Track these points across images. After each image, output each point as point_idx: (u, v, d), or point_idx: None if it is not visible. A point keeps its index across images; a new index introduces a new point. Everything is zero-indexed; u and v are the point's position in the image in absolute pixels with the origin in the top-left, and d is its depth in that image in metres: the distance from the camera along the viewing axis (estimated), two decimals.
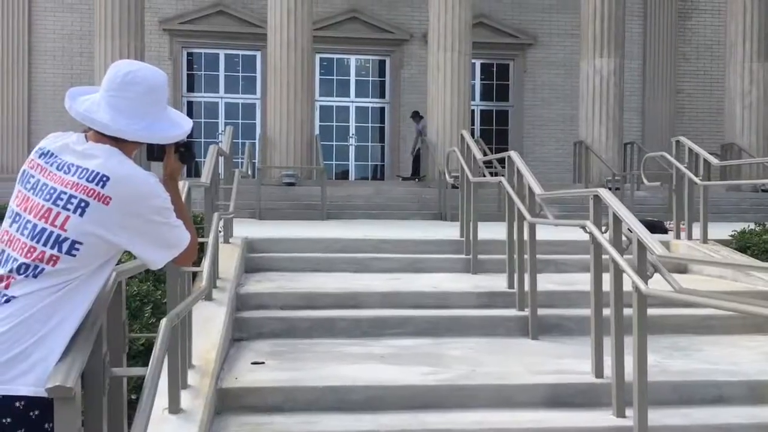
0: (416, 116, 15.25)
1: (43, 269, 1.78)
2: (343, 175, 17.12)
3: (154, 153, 2.03)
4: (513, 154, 5.56)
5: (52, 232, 1.80)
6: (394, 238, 6.90)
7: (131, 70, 1.93)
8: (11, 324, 1.74)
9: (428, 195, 12.15)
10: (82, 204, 1.81)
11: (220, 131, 16.33)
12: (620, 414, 3.64)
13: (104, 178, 1.82)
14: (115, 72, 1.93)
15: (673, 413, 3.72)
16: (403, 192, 12.78)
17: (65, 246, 1.79)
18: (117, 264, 2.00)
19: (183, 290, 3.44)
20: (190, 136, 2.07)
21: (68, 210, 1.80)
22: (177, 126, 2.00)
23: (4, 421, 1.73)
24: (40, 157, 1.91)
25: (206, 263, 3.16)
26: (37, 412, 1.72)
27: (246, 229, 7.25)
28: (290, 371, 3.99)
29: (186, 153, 2.08)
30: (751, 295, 5.37)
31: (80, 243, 1.80)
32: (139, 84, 1.91)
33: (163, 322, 1.94)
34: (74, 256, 1.80)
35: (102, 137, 1.91)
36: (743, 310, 2.91)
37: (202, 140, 16.30)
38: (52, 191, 1.83)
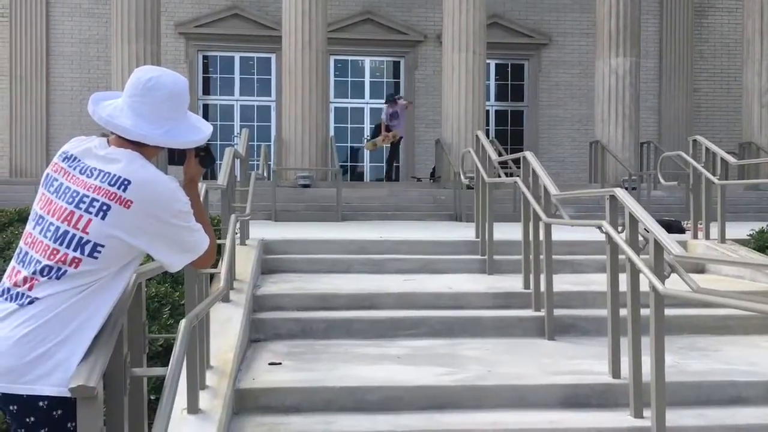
0: (391, 98, 14.38)
1: (65, 271, 1.81)
2: (358, 176, 17.15)
3: (174, 157, 2.07)
4: (528, 155, 5.55)
5: (74, 235, 1.83)
6: (410, 239, 6.91)
7: (153, 75, 1.97)
8: (35, 325, 1.77)
9: (443, 196, 12.14)
10: (104, 207, 1.84)
11: (235, 134, 16.41)
12: (638, 415, 3.63)
13: (126, 182, 1.86)
14: (138, 77, 1.97)
15: (690, 413, 3.70)
16: (418, 193, 12.78)
17: (87, 248, 1.83)
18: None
19: (201, 292, 3.47)
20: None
21: (90, 213, 1.84)
22: (197, 131, 2.03)
23: (27, 420, 1.76)
24: (63, 160, 1.94)
25: (223, 265, 3.19)
26: (60, 412, 1.75)
27: (262, 230, 7.29)
28: (307, 372, 4.01)
29: (206, 157, 2.11)
30: None
31: (102, 245, 1.84)
32: (160, 90, 1.95)
33: (183, 323, 1.96)
34: (96, 258, 1.83)
35: (124, 141, 1.94)
36: (761, 310, 2.89)
37: (218, 143, 16.39)
38: (74, 194, 1.86)
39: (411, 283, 5.70)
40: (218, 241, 4.62)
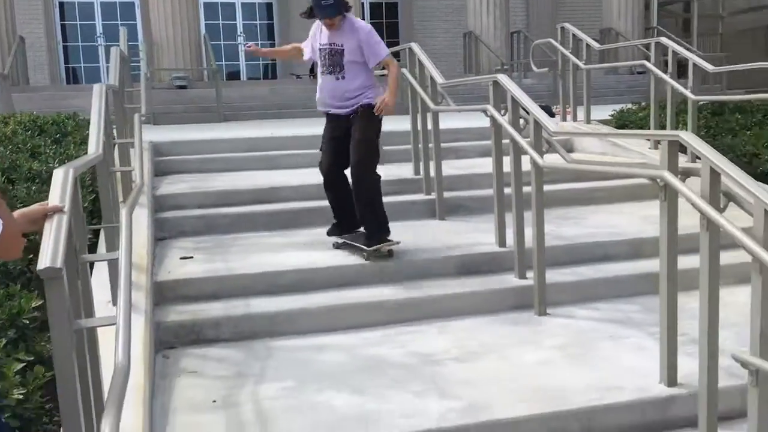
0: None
1: None
2: (234, 75, 16.73)
3: None
4: (414, 46, 5.76)
5: None
6: (300, 135, 7.03)
7: None
8: None
9: None
10: None
11: (98, 34, 15.45)
12: (522, 276, 4.12)
13: None
14: None
15: (566, 272, 4.24)
16: (299, 90, 12.71)
17: None
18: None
19: (115, 194, 3.52)
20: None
21: None
22: None
23: None
24: None
25: (137, 163, 3.25)
26: None
27: (146, 134, 7.14)
28: (219, 263, 4.19)
29: None
30: (628, 165, 5.96)
31: None
32: None
33: (124, 210, 2.09)
34: None
35: None
36: (617, 172, 3.38)
37: (80, 44, 15.40)
38: None
39: (308, 177, 5.87)
40: (123, 141, 4.59)
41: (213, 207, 5.19)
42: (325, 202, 5.30)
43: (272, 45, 17.01)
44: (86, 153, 3.78)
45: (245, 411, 2.85)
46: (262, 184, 5.58)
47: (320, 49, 4.36)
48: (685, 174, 2.81)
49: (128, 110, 5.20)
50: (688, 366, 2.94)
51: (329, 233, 4.55)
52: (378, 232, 4.29)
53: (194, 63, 12.55)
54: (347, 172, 4.39)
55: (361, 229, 4.38)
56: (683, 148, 2.79)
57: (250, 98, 11.95)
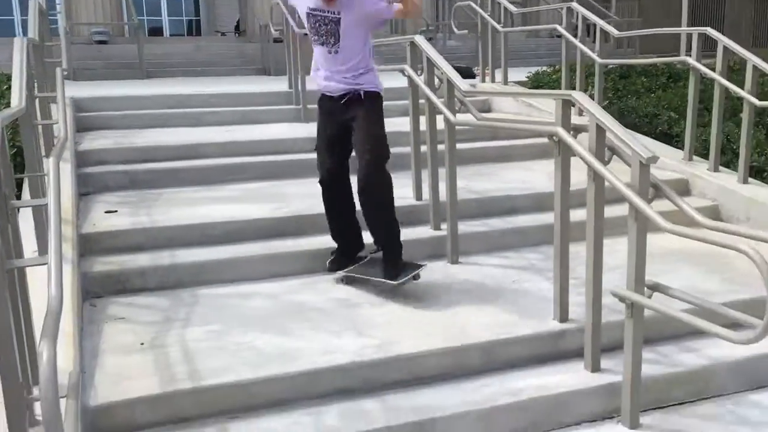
0: None
1: None
2: (157, 31, 16.35)
3: None
4: None
5: None
6: (225, 92, 7.08)
7: None
8: None
9: (250, 50, 12.12)
10: None
11: None
12: (437, 228, 4.40)
13: None
14: None
15: (477, 223, 4.55)
16: (224, 48, 12.62)
17: None
18: None
19: (38, 147, 3.56)
20: None
21: None
22: None
23: None
24: None
25: (60, 116, 3.30)
26: None
27: (66, 89, 7.03)
28: (144, 216, 4.30)
29: None
30: (528, 122, 6.30)
31: None
32: None
33: (52, 159, 2.20)
34: None
35: None
36: (517, 127, 3.69)
37: None
38: None
39: (233, 134, 5.99)
40: (44, 95, 4.59)
41: (137, 163, 5.25)
42: (253, 159, 5.45)
43: (196, 1, 16.68)
44: (7, 107, 3.80)
45: (172, 351, 3.03)
46: (186, 141, 5.65)
47: (309, 14, 3.66)
48: (577, 130, 3.10)
49: (48, 65, 5.16)
50: (579, 304, 3.28)
51: (330, 269, 3.89)
52: (400, 256, 3.73)
53: (114, 17, 12.26)
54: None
55: (364, 253, 3.95)
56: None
57: (173, 55, 11.77)
